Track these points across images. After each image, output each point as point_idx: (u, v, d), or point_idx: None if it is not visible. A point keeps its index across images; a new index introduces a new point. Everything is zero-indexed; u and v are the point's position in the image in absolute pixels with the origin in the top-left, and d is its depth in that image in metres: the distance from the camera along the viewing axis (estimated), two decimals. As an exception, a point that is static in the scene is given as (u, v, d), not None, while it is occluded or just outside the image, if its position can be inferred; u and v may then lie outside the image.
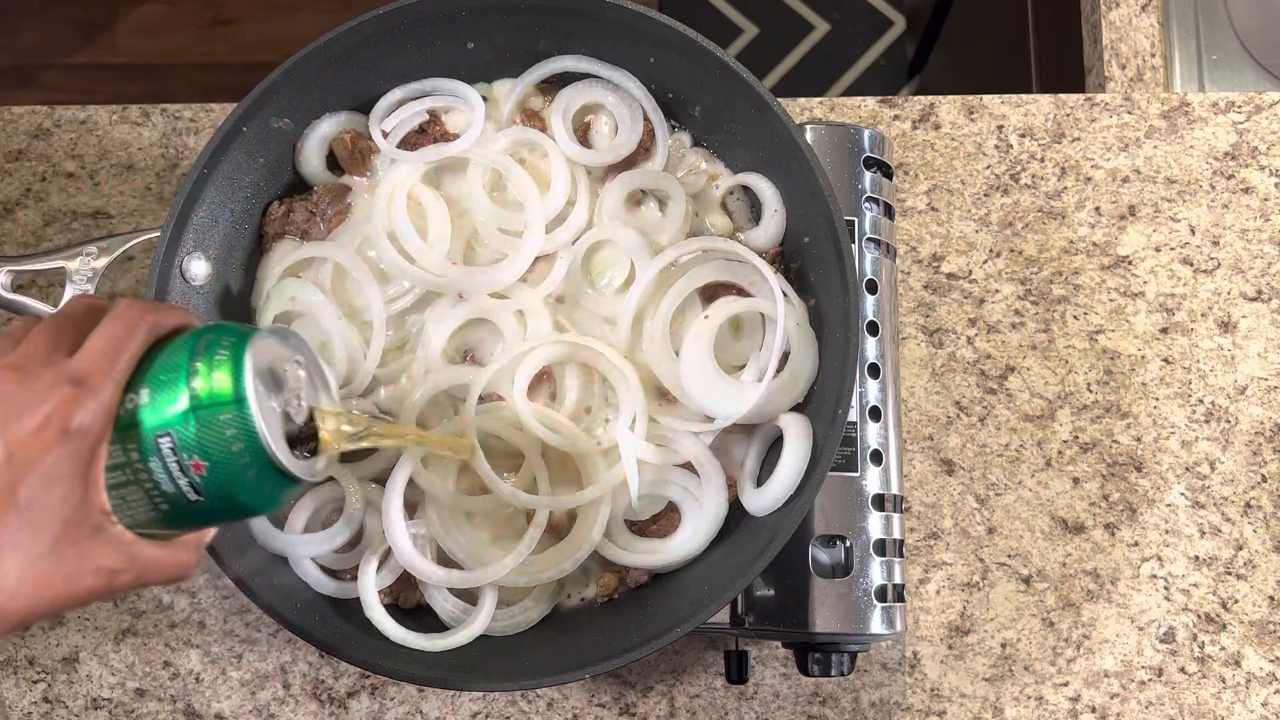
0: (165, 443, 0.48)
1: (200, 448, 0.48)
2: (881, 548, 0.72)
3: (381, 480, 0.71)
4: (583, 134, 0.76)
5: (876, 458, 0.73)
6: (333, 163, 0.76)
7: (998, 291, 0.89)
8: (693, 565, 0.71)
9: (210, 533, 0.54)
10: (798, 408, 0.70)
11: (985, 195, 0.91)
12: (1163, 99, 0.93)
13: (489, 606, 0.69)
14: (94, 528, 0.48)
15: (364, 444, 0.57)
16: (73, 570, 0.48)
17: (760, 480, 0.70)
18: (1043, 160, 0.92)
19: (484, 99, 0.75)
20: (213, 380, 0.48)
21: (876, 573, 0.71)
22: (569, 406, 0.71)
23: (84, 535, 0.48)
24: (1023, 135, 0.92)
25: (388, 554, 0.70)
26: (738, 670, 0.78)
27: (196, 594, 0.84)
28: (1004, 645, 0.84)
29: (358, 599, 0.69)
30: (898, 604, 0.72)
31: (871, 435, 0.73)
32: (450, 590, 0.70)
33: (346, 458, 0.72)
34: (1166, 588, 0.85)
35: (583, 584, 0.73)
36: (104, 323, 0.50)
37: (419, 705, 0.82)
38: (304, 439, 0.53)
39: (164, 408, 0.48)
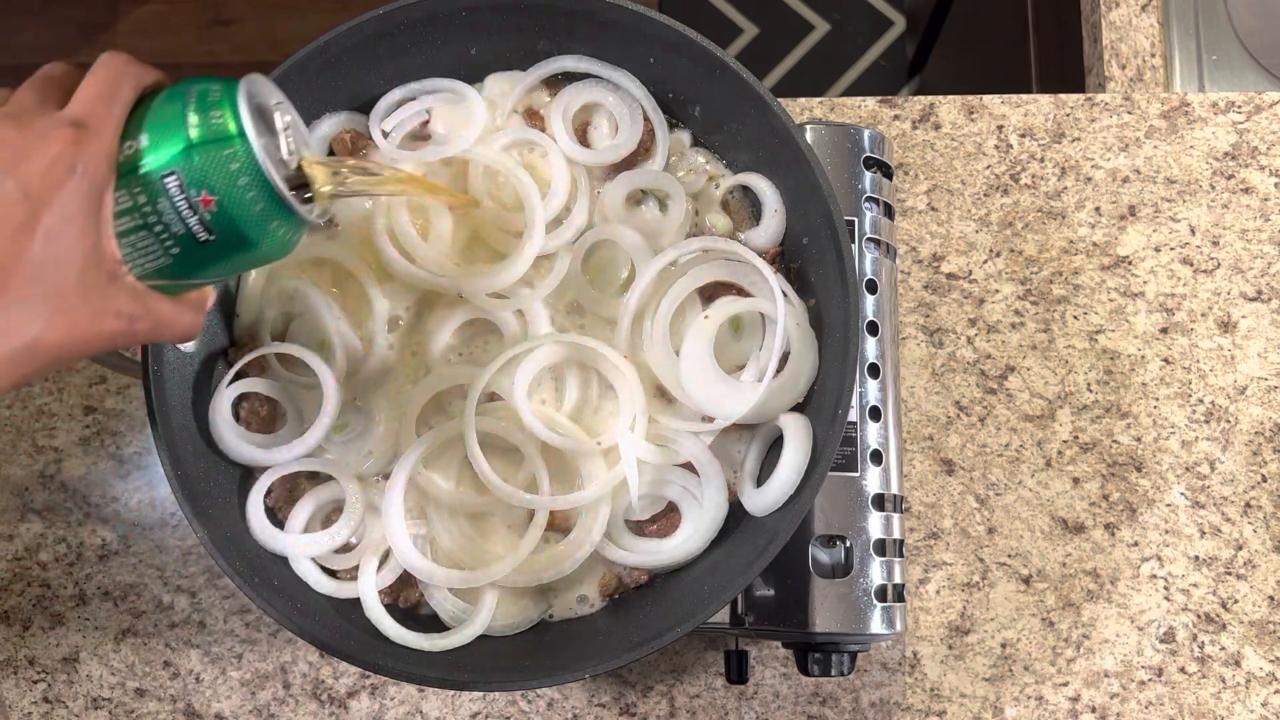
0: (172, 181, 0.49)
1: (207, 183, 0.50)
2: (881, 548, 0.72)
3: (382, 479, 0.71)
4: (582, 134, 0.76)
5: (876, 458, 0.73)
6: (333, 163, 0.76)
7: (998, 291, 0.89)
8: (693, 565, 0.71)
9: (211, 295, 0.57)
10: (798, 408, 0.70)
11: (985, 195, 0.91)
12: (1163, 99, 0.93)
13: (489, 606, 0.69)
14: (109, 274, 0.50)
15: (356, 191, 0.59)
16: (96, 308, 0.49)
17: (760, 480, 0.70)
18: (1043, 160, 0.92)
19: (485, 99, 0.75)
20: (211, 118, 0.50)
21: (876, 573, 0.71)
22: (569, 406, 0.71)
23: (101, 278, 0.49)
24: (1023, 135, 0.92)
25: (388, 554, 0.70)
26: (738, 670, 0.78)
27: (196, 594, 0.84)
28: (1004, 645, 0.84)
29: (358, 599, 0.69)
30: (898, 604, 0.72)
31: (871, 435, 0.73)
32: (450, 590, 0.70)
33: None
34: (1166, 588, 0.85)
35: (582, 584, 0.72)
36: (92, 72, 0.51)
37: (419, 705, 0.82)
38: (298, 186, 0.54)
39: (167, 148, 0.50)
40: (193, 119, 0.50)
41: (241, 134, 0.50)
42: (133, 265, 0.51)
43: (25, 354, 0.47)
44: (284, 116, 0.55)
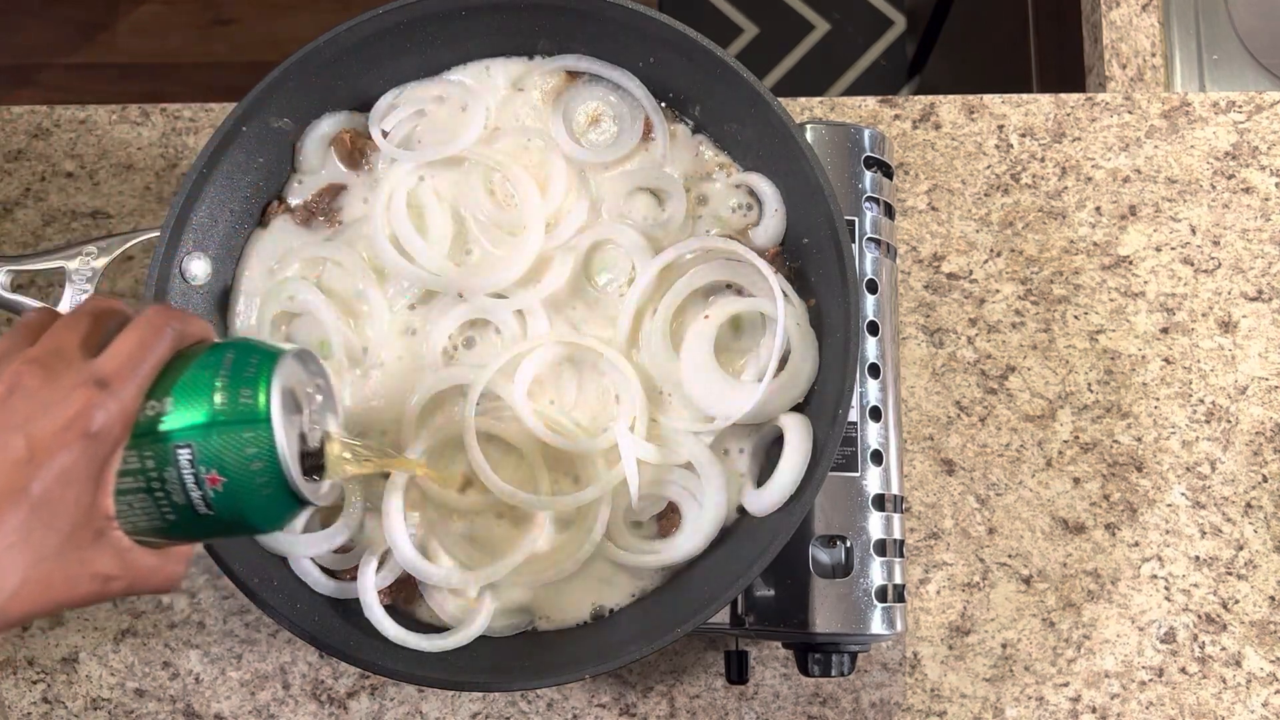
0: (185, 454, 0.48)
1: (219, 462, 0.48)
2: (882, 548, 0.72)
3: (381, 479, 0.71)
4: (582, 133, 0.76)
5: (877, 458, 0.73)
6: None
7: (998, 291, 0.89)
8: (693, 565, 0.71)
9: (198, 546, 0.54)
10: (798, 408, 0.70)
11: (986, 195, 0.91)
12: (1163, 99, 0.93)
13: (488, 607, 0.69)
14: (97, 532, 0.48)
15: (366, 471, 0.57)
16: (73, 574, 0.47)
17: (760, 480, 0.70)
18: (1043, 160, 0.92)
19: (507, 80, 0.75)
20: (240, 396, 0.48)
21: (877, 573, 0.71)
22: (569, 406, 0.71)
23: (88, 539, 0.48)
24: (1023, 135, 0.92)
25: (387, 554, 0.70)
26: (738, 670, 0.78)
27: (196, 594, 0.84)
28: (1004, 645, 0.84)
29: (357, 599, 0.69)
30: (898, 604, 0.72)
31: (872, 435, 0.73)
32: (449, 591, 0.70)
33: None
34: (1167, 588, 0.84)
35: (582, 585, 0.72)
36: (132, 326, 0.49)
37: (419, 705, 0.82)
38: (312, 463, 0.53)
39: (187, 418, 0.48)
40: (220, 394, 0.48)
41: (266, 419, 0.48)
42: (123, 521, 0.49)
43: None
44: (317, 395, 0.53)
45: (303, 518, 0.53)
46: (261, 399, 0.48)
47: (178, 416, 0.48)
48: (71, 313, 0.51)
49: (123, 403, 0.47)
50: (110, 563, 0.49)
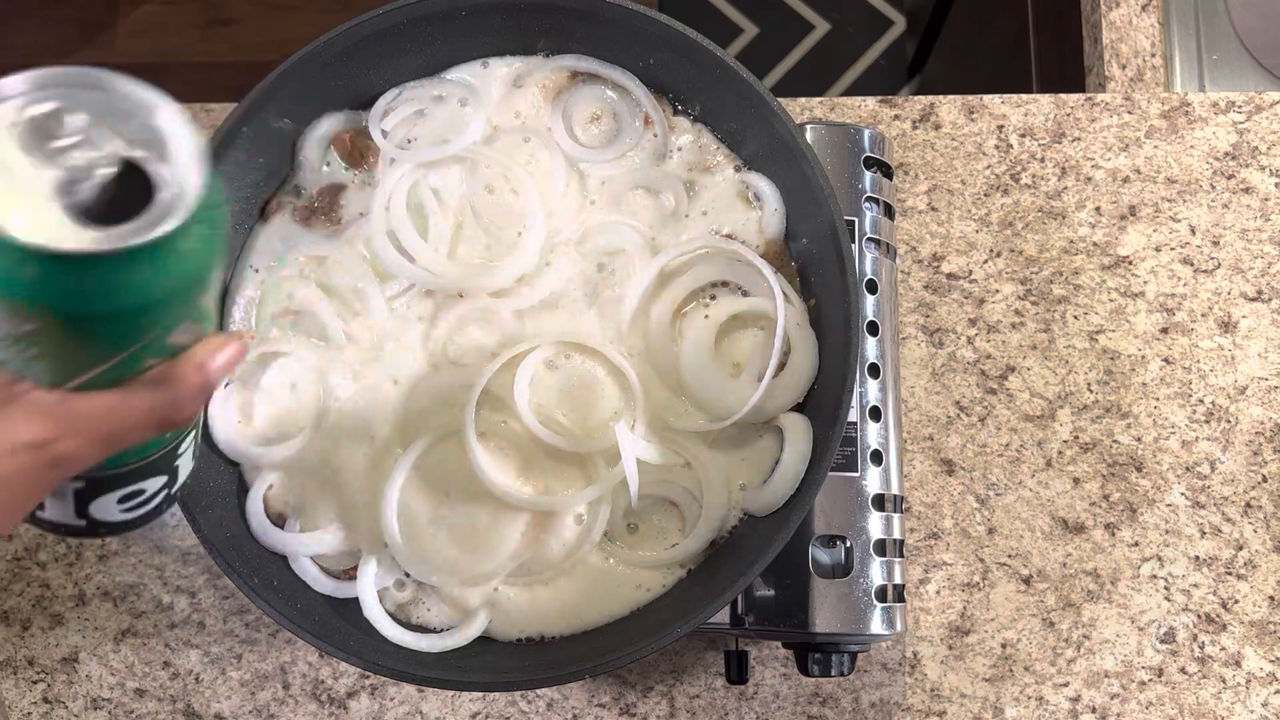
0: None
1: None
2: (881, 548, 0.72)
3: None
4: (581, 132, 0.76)
5: (876, 458, 0.73)
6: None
7: (998, 291, 0.89)
8: (692, 565, 0.71)
9: (219, 352, 0.44)
10: (798, 408, 0.70)
11: (985, 195, 0.91)
12: (1163, 99, 0.93)
13: (487, 607, 0.69)
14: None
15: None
16: None
17: (760, 480, 0.70)
18: (1043, 160, 0.92)
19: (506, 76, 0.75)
20: None
21: (876, 573, 0.71)
22: (569, 406, 0.71)
23: None
24: (1023, 135, 0.92)
25: (387, 554, 0.70)
26: (738, 670, 0.78)
27: (196, 594, 0.84)
28: (1004, 645, 0.84)
29: (356, 599, 0.69)
30: (898, 604, 0.72)
31: (871, 435, 0.73)
32: (447, 591, 0.70)
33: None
34: (1167, 588, 0.85)
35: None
36: None
37: (419, 705, 0.82)
38: (124, 196, 0.40)
39: None
40: None
41: None
42: (30, 372, 0.39)
43: None
44: (71, 119, 0.40)
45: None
46: None
47: None
48: None
49: None
50: (31, 425, 0.39)
